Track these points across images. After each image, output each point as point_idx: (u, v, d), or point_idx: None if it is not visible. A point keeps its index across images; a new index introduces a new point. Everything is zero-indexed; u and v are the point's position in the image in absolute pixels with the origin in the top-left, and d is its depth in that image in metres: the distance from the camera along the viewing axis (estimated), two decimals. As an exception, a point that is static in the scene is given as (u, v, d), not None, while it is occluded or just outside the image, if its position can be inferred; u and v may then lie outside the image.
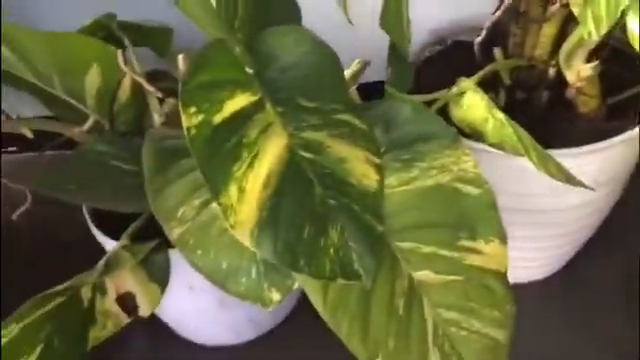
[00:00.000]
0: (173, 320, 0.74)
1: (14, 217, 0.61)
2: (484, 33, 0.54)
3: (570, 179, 0.51)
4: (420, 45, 0.77)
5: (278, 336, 0.78)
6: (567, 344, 0.77)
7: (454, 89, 0.58)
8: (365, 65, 0.62)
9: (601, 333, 0.77)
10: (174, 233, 0.53)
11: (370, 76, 0.65)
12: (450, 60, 0.75)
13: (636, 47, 0.43)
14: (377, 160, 0.53)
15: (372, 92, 0.68)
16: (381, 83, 0.69)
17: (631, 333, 0.76)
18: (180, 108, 0.46)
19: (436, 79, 0.65)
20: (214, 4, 0.59)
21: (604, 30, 0.44)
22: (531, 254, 0.72)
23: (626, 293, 0.80)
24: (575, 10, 0.49)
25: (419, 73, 0.72)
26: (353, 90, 0.68)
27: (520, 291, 0.80)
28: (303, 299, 0.50)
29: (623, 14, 0.43)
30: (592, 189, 0.52)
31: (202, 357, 0.76)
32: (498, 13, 0.50)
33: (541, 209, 0.64)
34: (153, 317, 0.74)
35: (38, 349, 0.50)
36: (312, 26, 0.68)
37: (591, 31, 0.46)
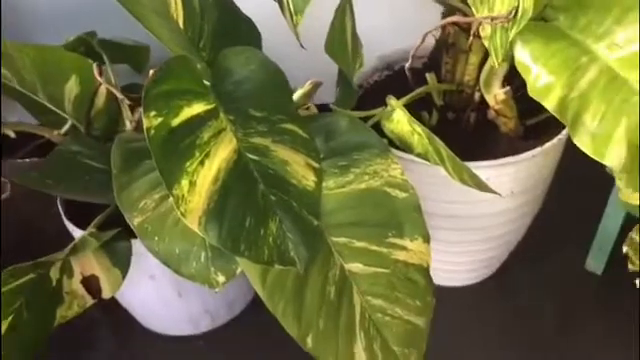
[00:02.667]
0: (136, 309, 0.80)
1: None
2: (410, 61, 0.63)
3: (481, 186, 0.59)
4: (370, 69, 0.85)
5: (234, 328, 0.84)
6: (496, 346, 0.84)
7: (388, 107, 0.66)
8: (317, 86, 0.70)
9: (529, 338, 0.84)
10: (135, 221, 0.59)
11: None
12: (395, 85, 0.83)
13: (521, 72, 0.51)
14: (316, 164, 0.61)
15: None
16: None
17: (559, 338, 0.83)
18: (142, 112, 0.54)
19: (381, 101, 0.74)
20: (181, 25, 0.67)
21: (500, 59, 0.53)
22: (459, 258, 0.79)
23: (556, 297, 0.88)
24: (485, 43, 0.57)
25: (366, 95, 0.80)
26: (311, 106, 0.76)
27: (455, 294, 0.88)
28: (258, 296, 0.57)
29: (511, 45, 0.51)
30: (499, 194, 0.60)
31: (162, 346, 0.83)
32: (421, 42, 0.59)
33: (463, 215, 0.72)
34: (116, 308, 0.80)
35: (9, 318, 0.57)
36: (275, 49, 0.77)
37: (494, 61, 0.55)
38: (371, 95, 0.82)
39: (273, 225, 0.56)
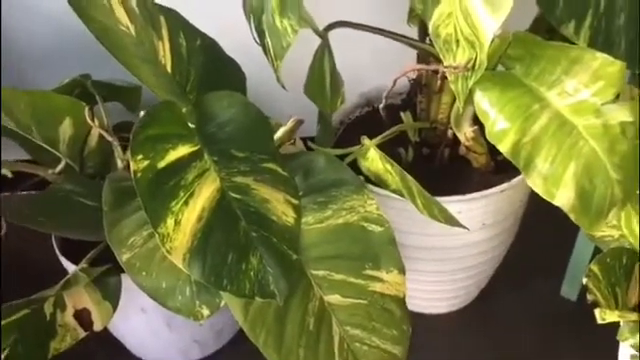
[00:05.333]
0: (129, 340, 0.83)
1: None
2: (384, 101, 0.67)
3: (450, 220, 0.63)
4: (350, 106, 0.89)
5: (222, 357, 0.87)
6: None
7: (364, 145, 0.70)
8: (299, 123, 0.74)
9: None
10: (123, 257, 0.62)
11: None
12: (376, 121, 0.87)
13: (480, 117, 0.55)
14: (295, 201, 0.64)
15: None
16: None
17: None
18: (129, 156, 0.57)
19: (360, 137, 0.77)
20: (169, 70, 0.71)
21: (462, 103, 0.56)
22: (437, 287, 0.82)
23: (533, 322, 0.91)
24: (452, 86, 0.61)
25: (347, 131, 0.84)
26: (298, 141, 0.79)
27: (435, 321, 0.91)
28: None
29: (471, 92, 0.55)
30: (467, 229, 0.63)
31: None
32: (393, 85, 0.63)
33: (438, 247, 0.75)
34: (111, 340, 0.83)
35: (4, 353, 0.59)
36: (259, 89, 0.81)
37: (459, 104, 0.58)
38: (352, 131, 0.85)
39: (254, 260, 0.59)
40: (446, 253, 0.76)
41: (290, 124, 0.73)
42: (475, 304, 0.92)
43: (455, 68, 0.54)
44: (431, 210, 0.62)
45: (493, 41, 0.51)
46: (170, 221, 0.57)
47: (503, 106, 0.53)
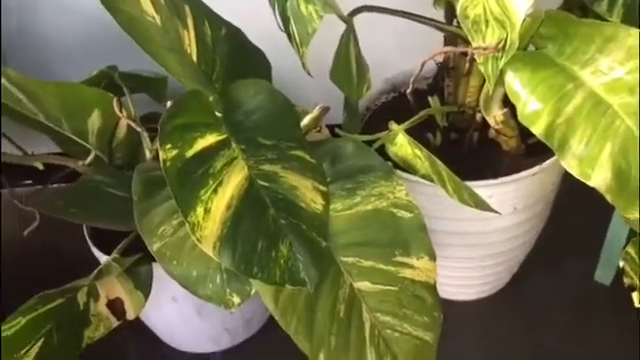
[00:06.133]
0: (160, 328, 0.84)
1: (25, 233, 0.72)
2: (411, 87, 0.66)
3: (480, 205, 0.62)
4: (376, 92, 0.88)
5: (253, 345, 0.87)
6: (507, 358, 0.85)
7: (392, 130, 0.69)
8: (325, 110, 0.73)
9: (540, 349, 0.85)
10: (154, 247, 0.63)
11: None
12: (402, 107, 0.86)
13: (511, 98, 0.54)
14: (323, 188, 0.63)
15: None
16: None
17: (570, 348, 0.85)
18: (158, 145, 0.58)
19: (387, 124, 0.76)
20: (195, 59, 0.71)
21: (493, 85, 0.55)
22: (468, 273, 0.81)
23: (566, 308, 0.89)
24: (481, 68, 0.60)
25: (373, 117, 0.83)
26: (324, 128, 0.79)
27: (465, 307, 0.90)
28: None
29: (502, 73, 0.53)
30: (499, 213, 0.62)
31: (184, 363, 0.86)
32: (420, 69, 0.62)
33: (469, 232, 0.74)
34: (143, 329, 0.84)
35: (40, 342, 0.60)
36: (283, 77, 0.80)
37: (489, 86, 0.57)
38: (378, 117, 0.84)
39: (284, 247, 0.59)
40: (477, 238, 0.75)
41: (316, 111, 0.73)
42: (506, 288, 0.91)
43: (485, 49, 0.53)
44: (461, 195, 0.62)
45: (524, 20, 0.50)
46: (200, 209, 0.57)
47: (535, 87, 0.52)
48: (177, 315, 0.78)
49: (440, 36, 0.78)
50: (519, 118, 0.54)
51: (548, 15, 0.55)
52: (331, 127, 0.79)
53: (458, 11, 0.60)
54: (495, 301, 0.90)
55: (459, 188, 0.61)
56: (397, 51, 0.93)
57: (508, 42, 0.52)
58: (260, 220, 0.60)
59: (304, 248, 0.59)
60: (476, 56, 0.59)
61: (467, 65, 0.65)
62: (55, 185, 0.73)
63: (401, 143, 0.66)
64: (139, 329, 0.83)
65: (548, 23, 0.55)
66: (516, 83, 0.53)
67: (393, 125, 0.66)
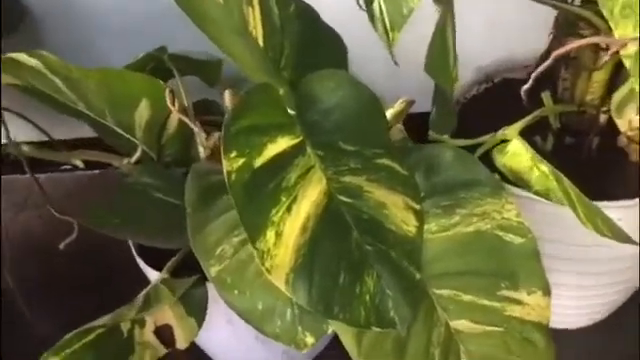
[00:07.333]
0: (212, 351, 0.74)
1: (61, 247, 0.63)
2: (531, 82, 0.53)
3: (618, 235, 0.49)
4: (466, 82, 0.76)
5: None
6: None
7: (499, 134, 0.57)
8: (409, 105, 0.62)
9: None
10: (212, 271, 0.53)
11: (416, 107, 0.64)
12: (496, 99, 0.74)
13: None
14: (417, 206, 0.52)
15: (420, 123, 0.67)
16: (428, 114, 0.68)
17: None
18: (222, 152, 0.47)
19: (481, 119, 0.64)
20: (261, 43, 0.60)
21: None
22: (573, 302, 0.69)
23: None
24: (627, 62, 0.47)
25: (464, 112, 0.71)
26: (399, 126, 0.67)
27: (563, 338, 0.78)
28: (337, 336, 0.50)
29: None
30: (637, 244, 0.50)
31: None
32: (548, 62, 0.49)
33: (584, 258, 0.62)
34: (194, 348, 0.75)
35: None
36: (353, 57, 0.69)
37: (635, 85, 0.45)
38: (470, 112, 0.73)
39: (370, 281, 0.48)
40: (591, 266, 0.63)
41: (399, 105, 0.62)
42: (606, 320, 0.78)
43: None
44: (594, 221, 0.49)
45: None
46: (270, 234, 0.47)
47: None
48: (233, 339, 0.68)
49: (539, 17, 0.65)
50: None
51: None
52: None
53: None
54: (594, 332, 0.78)
55: (592, 213, 0.49)
56: (488, 36, 0.80)
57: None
58: (341, 246, 0.49)
59: (394, 281, 0.49)
60: (618, 47, 0.46)
61: (606, 58, 0.52)
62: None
63: (514, 152, 0.54)
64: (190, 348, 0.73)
65: None
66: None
67: (507, 130, 0.54)
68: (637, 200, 0.56)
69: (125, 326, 0.56)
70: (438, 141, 0.62)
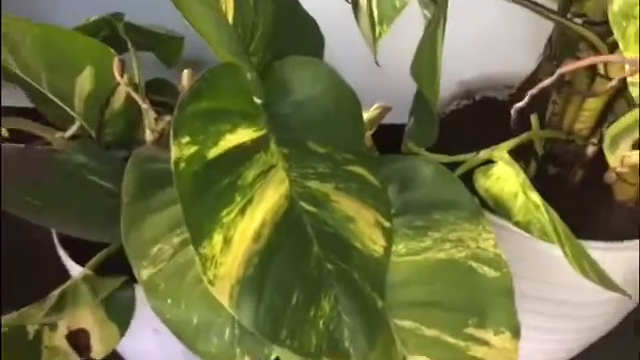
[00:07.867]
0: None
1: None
2: (526, 100, 0.48)
3: (605, 282, 0.45)
4: (445, 96, 0.71)
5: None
6: None
7: (483, 153, 0.52)
8: (385, 111, 0.56)
9: None
10: (144, 274, 0.46)
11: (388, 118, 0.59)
12: (477, 117, 0.70)
13: None
14: (387, 223, 0.46)
15: (389, 135, 0.62)
16: (400, 127, 0.63)
17: None
18: (171, 136, 0.40)
19: (460, 136, 0.60)
20: (230, 20, 0.53)
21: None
22: (541, 345, 0.65)
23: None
24: (634, 91, 0.43)
25: (443, 126, 0.65)
26: (367, 134, 0.62)
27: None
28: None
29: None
30: (628, 296, 0.45)
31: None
32: (550, 80, 0.44)
33: (558, 300, 0.57)
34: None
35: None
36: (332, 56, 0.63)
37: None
38: (447, 127, 0.67)
39: (326, 304, 0.42)
40: (565, 309, 0.59)
41: (374, 111, 0.56)
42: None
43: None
44: (580, 263, 0.45)
45: None
46: (218, 237, 0.40)
47: None
48: (158, 350, 0.60)
49: (530, 31, 0.61)
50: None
51: None
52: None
53: (614, 9, 0.42)
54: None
55: (579, 254, 0.44)
56: (475, 48, 0.75)
57: None
58: (299, 261, 0.43)
59: (353, 306, 0.43)
60: (629, 73, 0.42)
61: (614, 83, 0.48)
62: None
63: (499, 175, 0.49)
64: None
65: None
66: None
67: (495, 151, 0.48)
68: (626, 243, 0.51)
69: (32, 327, 0.48)
70: (414, 154, 0.57)
